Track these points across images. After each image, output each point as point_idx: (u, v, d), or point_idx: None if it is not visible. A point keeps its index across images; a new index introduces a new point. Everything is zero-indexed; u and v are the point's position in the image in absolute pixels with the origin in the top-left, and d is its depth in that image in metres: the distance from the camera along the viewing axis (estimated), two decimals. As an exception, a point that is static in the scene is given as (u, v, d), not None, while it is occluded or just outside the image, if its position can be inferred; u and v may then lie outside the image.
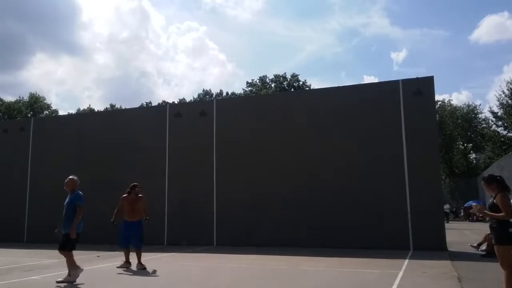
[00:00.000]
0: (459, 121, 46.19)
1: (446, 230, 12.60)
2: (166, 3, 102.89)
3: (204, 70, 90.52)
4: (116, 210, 9.48)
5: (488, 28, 78.21)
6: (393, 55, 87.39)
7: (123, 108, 49.24)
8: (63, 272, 8.85)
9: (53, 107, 58.92)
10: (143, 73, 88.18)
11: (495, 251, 5.35)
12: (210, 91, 55.21)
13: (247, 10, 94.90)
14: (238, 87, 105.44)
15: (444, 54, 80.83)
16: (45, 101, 56.35)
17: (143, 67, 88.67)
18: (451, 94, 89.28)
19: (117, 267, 9.19)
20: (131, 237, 9.32)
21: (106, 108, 56.69)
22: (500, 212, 5.23)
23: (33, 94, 55.25)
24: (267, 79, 52.56)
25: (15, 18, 74.03)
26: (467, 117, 46.75)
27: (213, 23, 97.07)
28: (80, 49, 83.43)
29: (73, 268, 7.65)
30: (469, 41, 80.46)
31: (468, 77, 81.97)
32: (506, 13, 77.85)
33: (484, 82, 78.61)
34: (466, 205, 34.97)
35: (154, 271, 8.82)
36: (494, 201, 5.35)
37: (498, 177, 5.50)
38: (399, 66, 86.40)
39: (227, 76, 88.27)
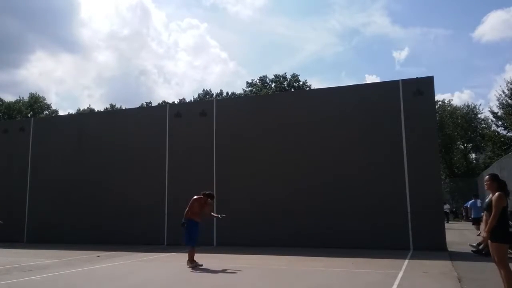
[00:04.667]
0: (459, 121, 46.18)
1: (446, 230, 12.61)
2: (167, 0, 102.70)
3: (205, 69, 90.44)
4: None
5: (493, 25, 76.70)
6: (395, 54, 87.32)
7: (123, 108, 49.29)
8: (63, 272, 8.87)
9: (53, 107, 59.02)
10: (143, 71, 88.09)
11: (489, 248, 5.44)
12: (210, 91, 55.25)
13: (248, 6, 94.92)
14: (240, 85, 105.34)
15: (446, 52, 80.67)
16: (45, 101, 56.45)
17: (144, 66, 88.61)
18: (453, 94, 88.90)
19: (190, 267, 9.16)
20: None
21: (106, 108, 56.72)
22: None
23: (33, 94, 55.33)
24: (267, 79, 52.58)
25: (12, 15, 73.88)
26: (467, 117, 46.74)
27: (214, 20, 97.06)
28: (80, 47, 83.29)
29: None
30: (472, 39, 79.90)
31: (471, 76, 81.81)
32: (512, 9, 76.74)
33: (486, 81, 78.24)
34: (465, 205, 34.91)
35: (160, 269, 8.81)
36: (493, 199, 5.46)
37: (502, 180, 5.61)
38: (401, 65, 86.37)
39: (229, 74, 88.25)
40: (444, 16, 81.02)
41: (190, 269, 9.00)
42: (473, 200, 19.21)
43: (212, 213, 9.97)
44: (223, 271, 8.82)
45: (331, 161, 13.50)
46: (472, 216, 19.09)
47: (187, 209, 9.69)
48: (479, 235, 17.90)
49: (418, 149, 12.63)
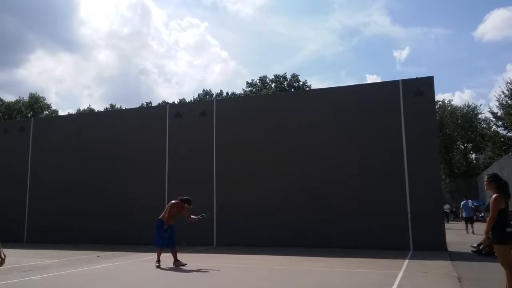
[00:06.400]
0: (459, 121, 46.22)
1: (446, 230, 12.61)
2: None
3: (205, 68, 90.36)
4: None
5: (495, 23, 75.60)
6: (396, 54, 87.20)
7: (123, 108, 49.30)
8: (63, 272, 8.87)
9: (53, 107, 59.07)
10: (143, 71, 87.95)
11: (495, 250, 5.45)
12: (210, 91, 55.28)
13: (248, 5, 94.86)
14: (240, 85, 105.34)
15: (447, 52, 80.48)
16: (45, 101, 56.48)
17: (144, 65, 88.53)
18: (454, 93, 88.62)
19: (158, 267, 9.37)
20: (170, 239, 9.76)
21: (106, 108, 56.74)
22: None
23: (33, 94, 55.36)
24: (267, 79, 52.61)
25: (12, 14, 73.69)
26: (467, 117, 46.77)
27: (214, 19, 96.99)
28: (80, 46, 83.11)
29: None
30: (473, 38, 79.39)
31: (472, 76, 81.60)
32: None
33: (487, 80, 77.92)
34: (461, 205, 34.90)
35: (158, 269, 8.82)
36: (490, 201, 5.49)
37: (502, 181, 5.58)
38: (401, 65, 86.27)
39: (229, 74, 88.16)
40: (445, 15, 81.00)
41: (160, 268, 9.22)
42: (464, 201, 20.51)
43: (192, 216, 10.01)
44: (223, 271, 8.82)
45: (331, 161, 13.49)
46: (464, 215, 20.15)
47: (164, 213, 9.86)
48: (473, 233, 18.59)
49: (418, 149, 12.62)
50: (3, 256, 3.49)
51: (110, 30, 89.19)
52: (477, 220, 29.50)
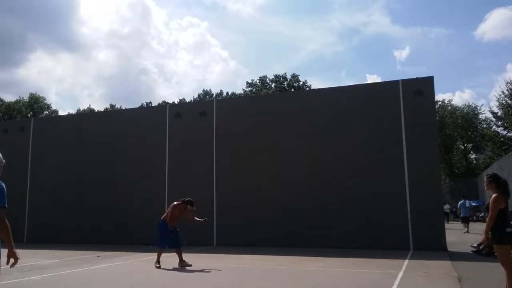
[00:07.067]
0: (459, 121, 46.22)
1: (446, 230, 12.61)
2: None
3: (206, 68, 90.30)
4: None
5: (495, 23, 75.31)
6: (396, 53, 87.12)
7: (123, 108, 49.33)
8: (63, 272, 8.87)
9: (53, 106, 59.14)
10: (143, 70, 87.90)
11: (495, 250, 5.45)
12: (210, 91, 55.31)
13: (248, 5, 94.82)
14: (240, 85, 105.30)
15: (447, 52, 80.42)
16: (45, 101, 56.50)
17: (144, 65, 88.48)
18: (454, 93, 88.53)
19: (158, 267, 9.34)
20: (175, 239, 9.73)
21: (106, 108, 56.76)
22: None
23: (33, 94, 55.40)
24: (267, 79, 52.62)
25: (12, 14, 73.66)
26: (467, 117, 46.78)
27: (214, 19, 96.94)
28: (79, 46, 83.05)
29: None
30: (473, 37, 79.24)
31: (472, 76, 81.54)
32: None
33: (488, 80, 77.80)
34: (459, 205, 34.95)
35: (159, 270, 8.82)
36: (490, 201, 5.49)
37: (501, 180, 5.58)
38: (402, 64, 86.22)
39: (229, 73, 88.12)
40: (445, 15, 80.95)
41: (165, 269, 9.18)
42: (462, 201, 21.19)
43: (196, 218, 9.96)
44: (223, 271, 8.82)
45: (331, 161, 13.49)
46: (461, 215, 20.66)
47: (166, 214, 9.86)
48: (466, 232, 18.83)
49: (418, 149, 12.62)
50: (19, 256, 3.73)
51: (110, 29, 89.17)
52: (477, 220, 29.66)
